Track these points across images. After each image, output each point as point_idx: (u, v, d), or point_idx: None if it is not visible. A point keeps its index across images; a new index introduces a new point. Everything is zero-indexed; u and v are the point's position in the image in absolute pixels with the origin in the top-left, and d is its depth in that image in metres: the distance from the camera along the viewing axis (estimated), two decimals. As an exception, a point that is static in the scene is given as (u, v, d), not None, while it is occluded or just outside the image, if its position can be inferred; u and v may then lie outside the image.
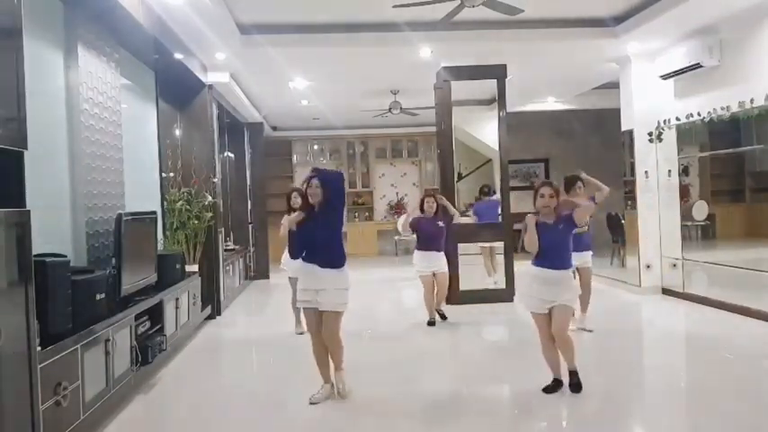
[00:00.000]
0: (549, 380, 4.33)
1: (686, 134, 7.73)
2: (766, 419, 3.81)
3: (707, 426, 3.80)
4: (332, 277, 4.20)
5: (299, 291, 4.35)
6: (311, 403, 4.21)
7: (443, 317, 6.92)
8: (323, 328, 4.24)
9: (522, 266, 5.25)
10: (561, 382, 4.31)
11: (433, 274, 6.73)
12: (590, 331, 6.10)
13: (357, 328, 6.24)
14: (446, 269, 6.87)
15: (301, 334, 5.95)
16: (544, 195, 4.21)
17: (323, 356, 4.32)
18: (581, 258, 6.01)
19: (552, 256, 4.20)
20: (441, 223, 6.74)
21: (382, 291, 9.61)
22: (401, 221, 7.42)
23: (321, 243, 4.22)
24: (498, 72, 7.92)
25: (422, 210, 6.83)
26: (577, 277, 6.03)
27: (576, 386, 4.25)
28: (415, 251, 6.91)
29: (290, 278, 6.21)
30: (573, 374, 4.30)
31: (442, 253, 6.84)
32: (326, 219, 4.22)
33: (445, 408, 4.23)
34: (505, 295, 7.82)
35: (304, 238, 4.25)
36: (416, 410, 4.19)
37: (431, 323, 6.73)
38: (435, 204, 6.77)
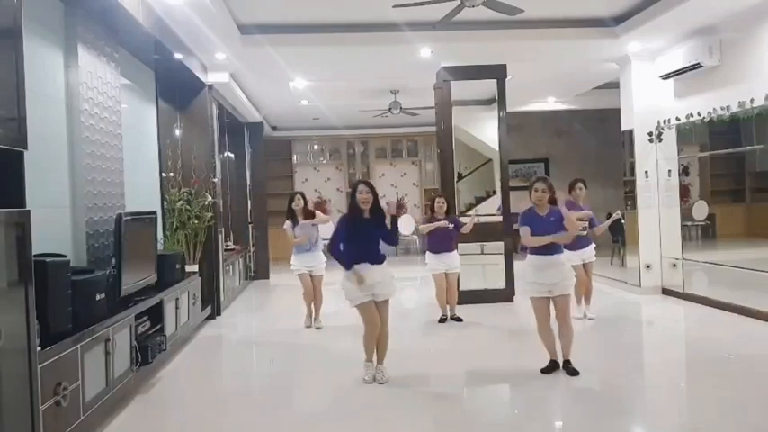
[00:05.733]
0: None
1: (686, 134, 7.73)
2: (766, 419, 3.81)
3: (706, 425, 3.80)
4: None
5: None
6: (368, 383, 4.61)
7: (458, 319, 6.88)
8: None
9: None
10: (558, 364, 4.71)
11: (446, 273, 6.78)
12: (591, 319, 6.57)
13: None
14: (458, 269, 6.92)
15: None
16: (538, 190, 4.66)
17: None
18: (585, 253, 6.52)
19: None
20: (450, 226, 6.74)
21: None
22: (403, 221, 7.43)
23: None
24: (498, 72, 7.93)
25: (432, 211, 6.92)
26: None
27: (573, 371, 4.62)
28: (427, 253, 6.94)
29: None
30: (567, 362, 4.68)
31: (455, 252, 6.90)
32: None
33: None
34: (505, 295, 7.83)
35: None
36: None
37: (442, 320, 6.83)
38: (446, 205, 6.81)
